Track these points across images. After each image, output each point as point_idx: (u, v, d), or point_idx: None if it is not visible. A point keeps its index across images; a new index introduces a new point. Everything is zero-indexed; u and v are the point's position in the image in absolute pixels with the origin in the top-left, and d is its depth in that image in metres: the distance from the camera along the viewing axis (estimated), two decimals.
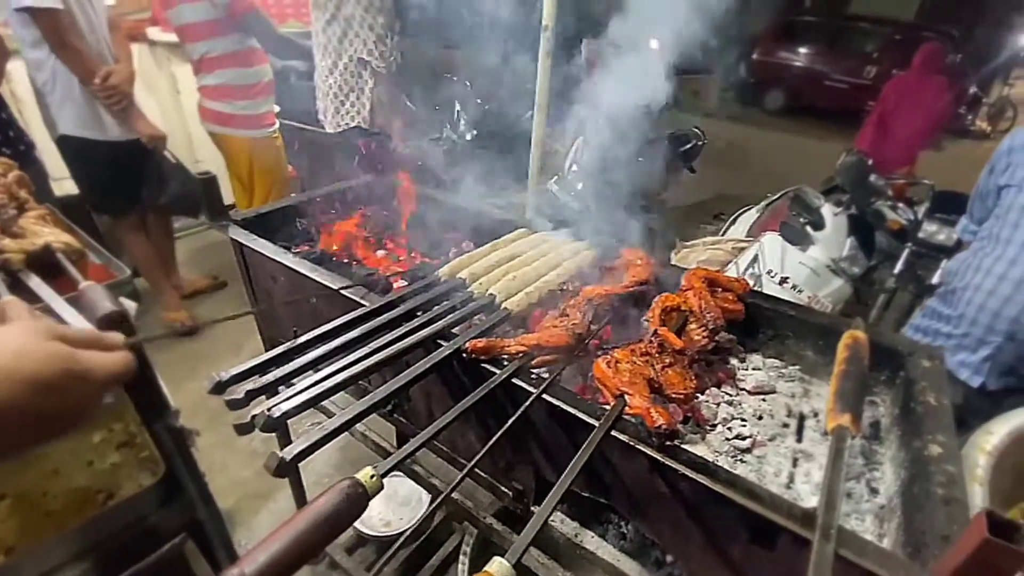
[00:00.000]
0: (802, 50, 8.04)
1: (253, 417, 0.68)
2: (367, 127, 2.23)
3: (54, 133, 2.29)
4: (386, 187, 1.69)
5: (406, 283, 1.30)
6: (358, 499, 0.55)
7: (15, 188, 1.31)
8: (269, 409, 0.61)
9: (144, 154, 2.35)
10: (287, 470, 0.60)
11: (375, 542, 1.71)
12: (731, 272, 2.41)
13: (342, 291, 1.10)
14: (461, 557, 1.45)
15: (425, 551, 1.65)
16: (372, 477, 0.58)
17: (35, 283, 1.03)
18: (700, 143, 3.74)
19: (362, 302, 1.07)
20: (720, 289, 1.06)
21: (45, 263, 1.09)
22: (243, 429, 0.64)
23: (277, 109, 2.61)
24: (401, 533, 1.70)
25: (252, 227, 1.33)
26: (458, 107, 4.27)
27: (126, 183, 2.38)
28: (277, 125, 2.61)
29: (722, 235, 3.31)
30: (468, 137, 4.38)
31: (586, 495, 0.83)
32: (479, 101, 4.06)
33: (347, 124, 2.26)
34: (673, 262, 1.61)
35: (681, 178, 3.98)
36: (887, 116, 3.88)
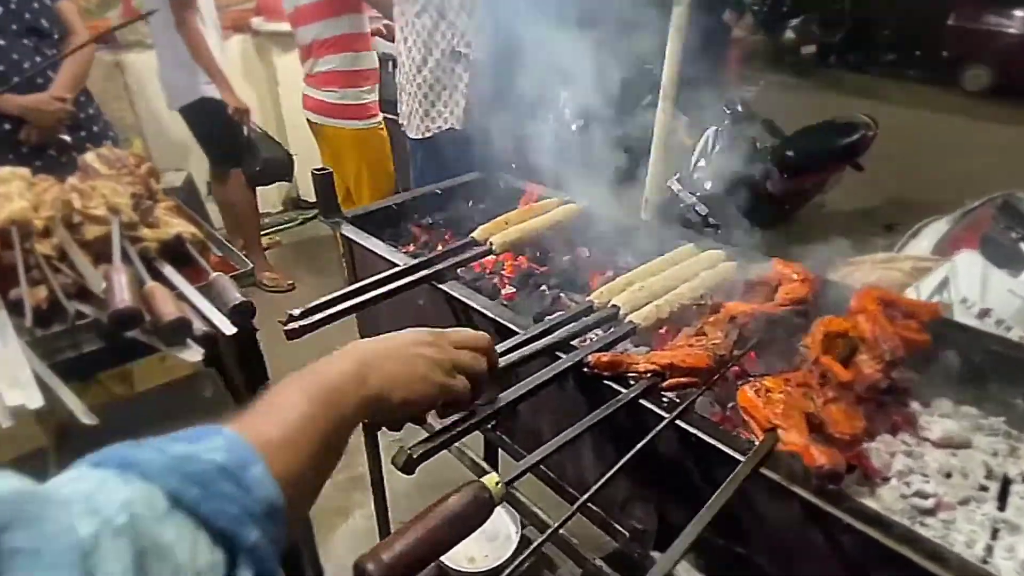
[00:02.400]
0: (1020, 13, 7.13)
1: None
2: (460, 127, 2.32)
3: (174, 107, 3.05)
4: (497, 185, 1.81)
5: (514, 289, 1.40)
6: (485, 504, 0.63)
7: (148, 180, 1.60)
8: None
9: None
10: (414, 467, 0.69)
11: None
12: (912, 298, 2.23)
13: (453, 294, 1.21)
14: None
15: None
16: (497, 484, 0.65)
17: (168, 271, 1.27)
18: (869, 134, 3.50)
19: (470, 303, 1.18)
20: (900, 314, 1.02)
21: (177, 252, 1.33)
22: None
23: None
24: (492, 571, 1.78)
25: (361, 224, 1.51)
26: (564, 94, 4.39)
27: (238, 138, 3.06)
28: (380, 117, 2.88)
29: (898, 251, 3.06)
30: (574, 127, 4.49)
31: (721, 543, 0.85)
32: (588, 86, 4.14)
33: (438, 128, 2.38)
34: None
35: (843, 177, 3.74)
36: None
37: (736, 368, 1.05)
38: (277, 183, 3.60)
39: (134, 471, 0.38)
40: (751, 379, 0.93)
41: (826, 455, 0.73)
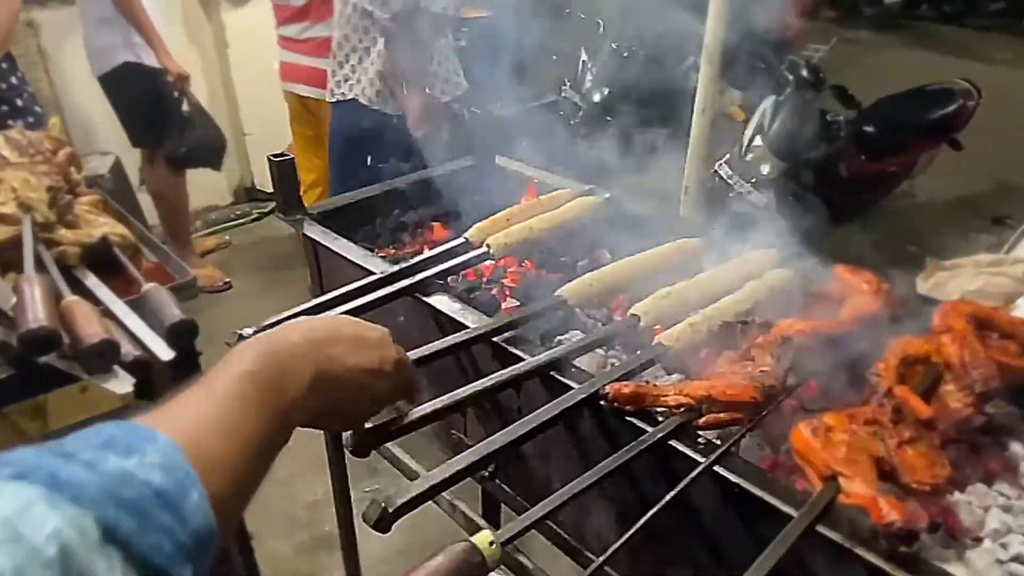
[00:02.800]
0: None
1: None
2: (368, 103, 2.36)
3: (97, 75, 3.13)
4: (495, 174, 1.85)
5: (517, 302, 1.43)
6: (477, 568, 0.65)
7: (68, 169, 1.64)
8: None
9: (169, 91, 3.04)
10: (390, 524, 0.72)
11: None
12: (1022, 311, 2.22)
13: (441, 310, 1.24)
14: None
15: None
16: (492, 544, 0.67)
17: (92, 282, 1.31)
18: (970, 103, 3.50)
19: (464, 321, 1.20)
20: (996, 335, 1.04)
21: (102, 258, 1.37)
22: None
23: None
24: None
25: (329, 222, 1.54)
26: (584, 56, 4.43)
27: (166, 112, 3.14)
28: None
29: (1007, 251, 3.05)
30: (597, 98, 4.51)
31: None
32: (615, 47, 4.17)
33: (342, 94, 2.44)
34: (922, 291, 1.56)
35: (937, 158, 3.75)
36: None
37: (794, 401, 1.06)
38: (224, 168, 3.66)
39: (65, 493, 0.40)
40: (808, 415, 0.95)
41: (898, 510, 0.74)
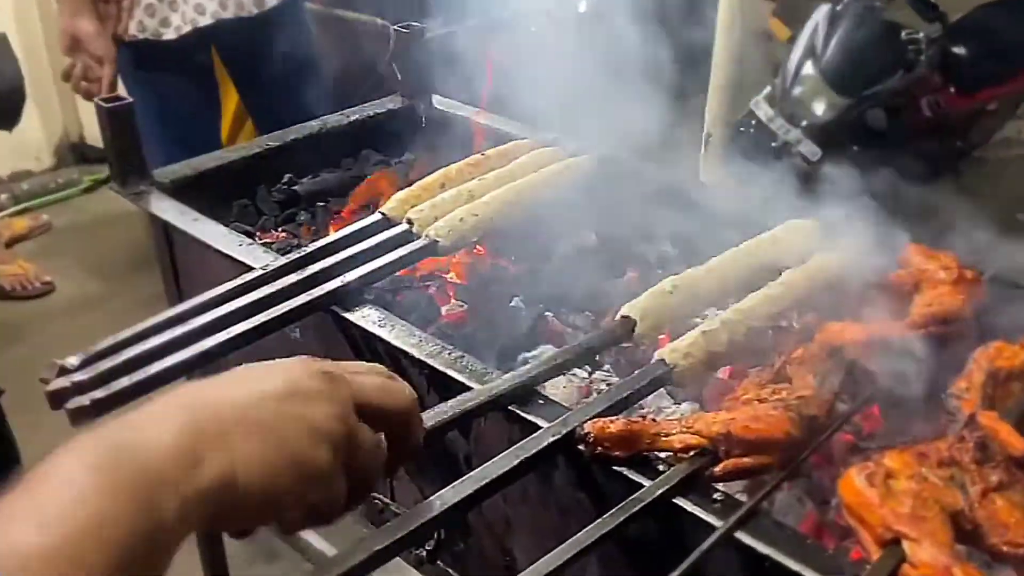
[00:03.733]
0: None
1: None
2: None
3: None
4: (434, 119, 1.89)
5: (464, 306, 1.45)
6: None
7: None
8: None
9: None
10: None
11: None
12: None
13: (351, 319, 1.25)
14: None
15: None
16: None
17: None
18: None
19: (383, 335, 1.22)
20: None
21: None
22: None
23: None
24: None
25: (189, 195, 1.55)
26: None
27: None
28: None
29: None
30: (583, 7, 4.54)
31: None
32: None
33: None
34: None
35: None
36: None
37: (842, 437, 1.10)
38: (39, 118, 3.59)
39: None
40: (863, 455, 0.98)
41: None
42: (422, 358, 1.20)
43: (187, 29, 2.27)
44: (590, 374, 1.32)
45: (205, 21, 2.29)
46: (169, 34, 2.26)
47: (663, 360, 1.13)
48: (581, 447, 0.99)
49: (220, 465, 0.59)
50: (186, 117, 2.35)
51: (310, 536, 1.63)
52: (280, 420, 0.64)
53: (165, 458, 0.57)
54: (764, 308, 1.19)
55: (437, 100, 1.96)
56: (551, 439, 0.99)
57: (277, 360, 0.71)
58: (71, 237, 4.18)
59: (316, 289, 1.28)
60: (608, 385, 1.29)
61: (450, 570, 1.32)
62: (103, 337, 1.13)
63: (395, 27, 1.94)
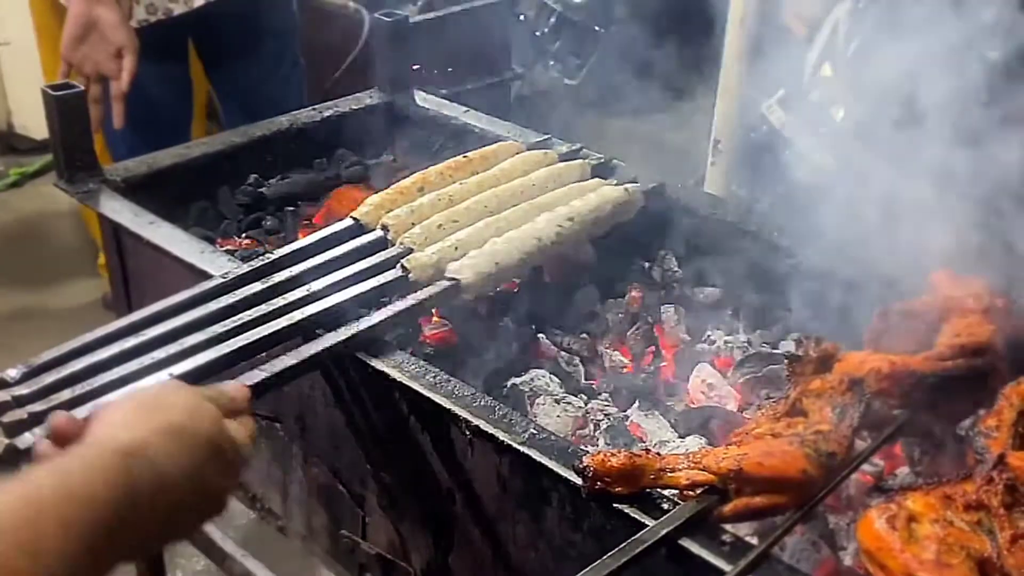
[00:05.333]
0: None
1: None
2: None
3: None
4: (416, 116, 1.93)
5: (447, 326, 1.48)
6: None
7: None
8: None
9: None
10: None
11: None
12: None
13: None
14: None
15: None
16: None
17: None
18: None
19: (362, 358, 1.25)
20: None
21: None
22: None
23: None
24: None
25: (143, 193, 1.56)
26: None
27: None
28: None
29: None
30: None
31: None
32: None
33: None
34: None
35: None
36: None
37: (862, 477, 1.13)
38: None
39: None
40: (885, 497, 1.01)
41: None
42: (402, 380, 1.22)
43: (199, 2, 2.28)
44: (586, 403, 1.35)
45: None
46: (179, 8, 2.28)
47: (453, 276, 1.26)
48: (580, 481, 1.01)
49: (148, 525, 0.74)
50: (155, 108, 2.35)
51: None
52: (200, 481, 0.81)
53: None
54: (547, 229, 1.34)
55: (419, 97, 1.98)
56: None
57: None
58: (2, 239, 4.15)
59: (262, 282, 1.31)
60: (606, 415, 1.33)
61: None
62: (33, 351, 1.15)
63: (375, 15, 1.96)
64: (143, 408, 0.83)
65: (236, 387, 1.01)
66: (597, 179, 1.60)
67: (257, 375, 1.13)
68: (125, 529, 0.69)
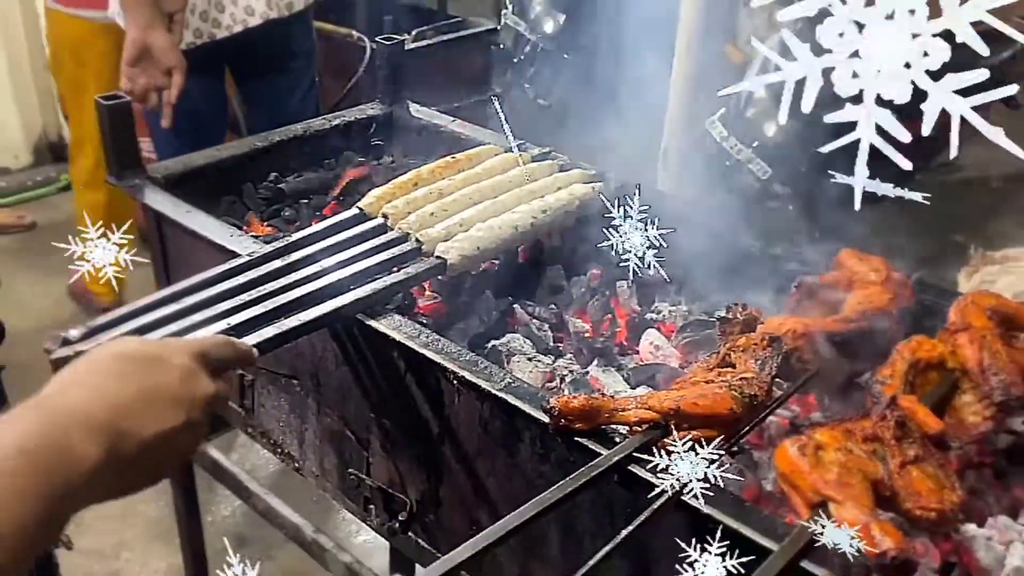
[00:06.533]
0: None
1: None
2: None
3: None
4: (413, 125, 1.97)
5: (438, 297, 1.52)
6: None
7: None
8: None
9: None
10: None
11: None
12: None
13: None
14: None
15: None
16: None
17: None
18: None
19: (366, 321, 1.29)
20: None
21: None
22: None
23: None
24: None
25: (182, 190, 1.61)
26: None
27: None
28: None
29: None
30: (549, 30, 4.62)
31: None
32: None
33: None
34: (964, 289, 1.70)
35: (988, 119, 3.98)
36: None
37: (784, 419, 1.18)
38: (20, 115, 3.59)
39: None
40: (798, 432, 1.07)
41: (892, 536, 0.86)
42: (397, 338, 1.28)
43: (238, 29, 2.34)
44: (554, 361, 1.40)
45: (255, 22, 2.36)
46: (221, 33, 2.34)
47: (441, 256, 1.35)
48: (547, 420, 1.07)
49: (113, 439, 0.72)
50: (197, 118, 2.38)
51: (285, 510, 1.71)
52: (152, 395, 0.79)
53: (76, 436, 0.69)
54: (523, 219, 1.41)
55: (414, 108, 2.03)
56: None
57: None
58: (48, 235, 4.16)
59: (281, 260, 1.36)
60: (570, 371, 1.38)
61: (420, 540, 1.39)
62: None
63: (376, 40, 2.01)
64: (110, 373, 0.79)
65: (239, 346, 1.00)
66: (567, 175, 1.64)
67: (270, 331, 1.19)
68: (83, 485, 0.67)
